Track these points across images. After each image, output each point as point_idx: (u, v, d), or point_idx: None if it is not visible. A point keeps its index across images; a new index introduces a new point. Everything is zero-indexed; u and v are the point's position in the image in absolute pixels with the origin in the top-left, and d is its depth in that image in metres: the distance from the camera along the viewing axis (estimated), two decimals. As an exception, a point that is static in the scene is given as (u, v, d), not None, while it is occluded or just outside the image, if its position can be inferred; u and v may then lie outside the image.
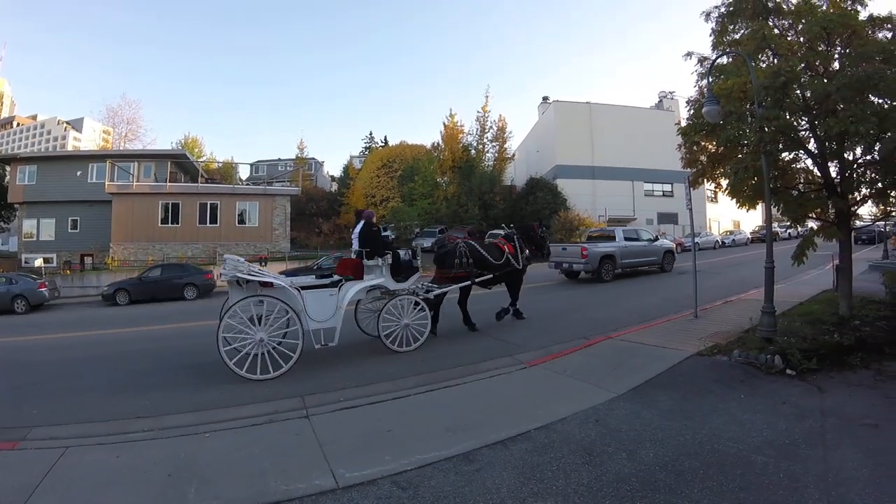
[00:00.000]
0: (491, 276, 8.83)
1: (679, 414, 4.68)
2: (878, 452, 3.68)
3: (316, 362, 6.90)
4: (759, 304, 7.04)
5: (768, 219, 7.51)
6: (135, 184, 28.58)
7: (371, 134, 58.49)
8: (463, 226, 32.95)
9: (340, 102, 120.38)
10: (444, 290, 8.48)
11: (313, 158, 56.13)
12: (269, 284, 6.68)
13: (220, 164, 45.54)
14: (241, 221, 28.97)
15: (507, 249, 9.12)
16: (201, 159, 43.03)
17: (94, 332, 11.90)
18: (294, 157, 51.76)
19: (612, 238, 16.70)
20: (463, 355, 7.16)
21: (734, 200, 8.35)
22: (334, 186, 51.41)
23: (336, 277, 7.41)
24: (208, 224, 28.11)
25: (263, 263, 20.97)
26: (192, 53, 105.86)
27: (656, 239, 18.49)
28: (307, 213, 39.12)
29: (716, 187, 9.27)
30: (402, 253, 8.00)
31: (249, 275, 6.54)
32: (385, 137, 54.04)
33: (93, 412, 5.33)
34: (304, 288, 6.88)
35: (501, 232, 10.19)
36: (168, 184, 28.84)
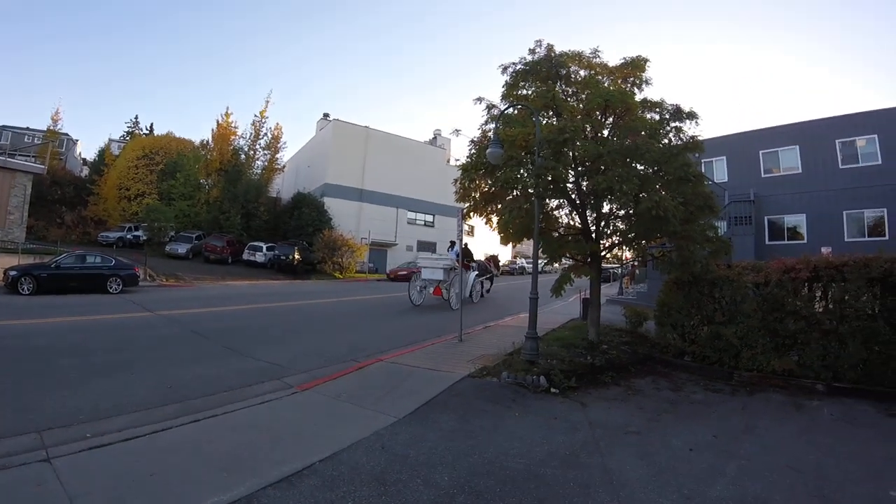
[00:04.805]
0: (489, 276, 20.32)
1: (463, 434, 4.93)
2: (646, 454, 4.53)
3: (43, 387, 5.88)
4: (514, 330, 8.08)
5: (535, 255, 8.76)
6: None
7: (136, 119, 52.87)
8: (222, 234, 30.48)
9: (110, 72, 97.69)
10: (482, 279, 19.11)
11: (67, 135, 47.80)
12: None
13: (-42, 124, 33.00)
14: (-30, 199, 21.97)
15: (490, 264, 21.07)
16: (-63, 114, 30.70)
17: None
18: (46, 128, 41.82)
19: None
20: (225, 379, 6.74)
21: (501, 236, 9.52)
22: (85, 171, 43.08)
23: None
24: (-72, 198, 21.92)
25: (-9, 256, 18.39)
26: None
27: None
28: (49, 199, 32.71)
29: (486, 222, 10.44)
30: (476, 264, 18.79)
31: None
32: (151, 125, 50.85)
33: None
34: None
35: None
36: None
